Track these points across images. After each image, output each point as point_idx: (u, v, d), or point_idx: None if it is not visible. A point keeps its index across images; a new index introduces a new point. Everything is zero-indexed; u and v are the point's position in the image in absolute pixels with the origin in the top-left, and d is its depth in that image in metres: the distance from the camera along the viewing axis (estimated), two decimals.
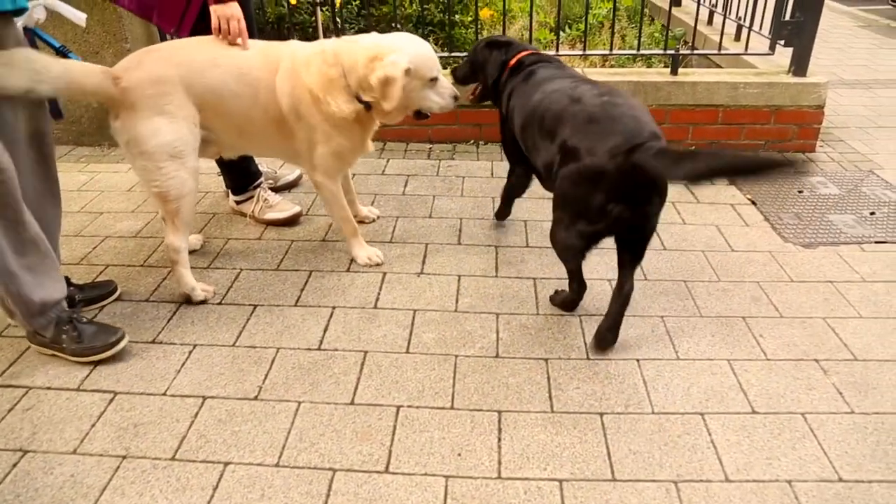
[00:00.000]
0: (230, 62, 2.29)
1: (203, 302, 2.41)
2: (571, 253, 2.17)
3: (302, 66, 2.29)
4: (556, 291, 2.40)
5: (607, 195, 1.92)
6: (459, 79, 2.77)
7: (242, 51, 2.33)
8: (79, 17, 2.23)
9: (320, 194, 2.58)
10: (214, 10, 2.27)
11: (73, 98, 2.21)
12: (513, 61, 2.52)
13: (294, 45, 2.39)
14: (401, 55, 2.21)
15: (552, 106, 2.13)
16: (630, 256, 2.11)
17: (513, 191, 2.78)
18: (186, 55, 2.27)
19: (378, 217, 2.98)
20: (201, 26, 2.37)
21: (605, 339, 2.13)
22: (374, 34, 2.36)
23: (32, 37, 2.16)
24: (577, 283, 2.27)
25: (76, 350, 2.05)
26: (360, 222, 2.89)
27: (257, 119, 2.34)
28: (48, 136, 2.07)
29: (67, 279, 2.31)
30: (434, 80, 2.34)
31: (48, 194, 2.12)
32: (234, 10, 2.28)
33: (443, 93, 2.39)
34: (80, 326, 2.08)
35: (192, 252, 2.66)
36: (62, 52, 2.29)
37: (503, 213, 2.92)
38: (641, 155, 1.81)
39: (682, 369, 2.06)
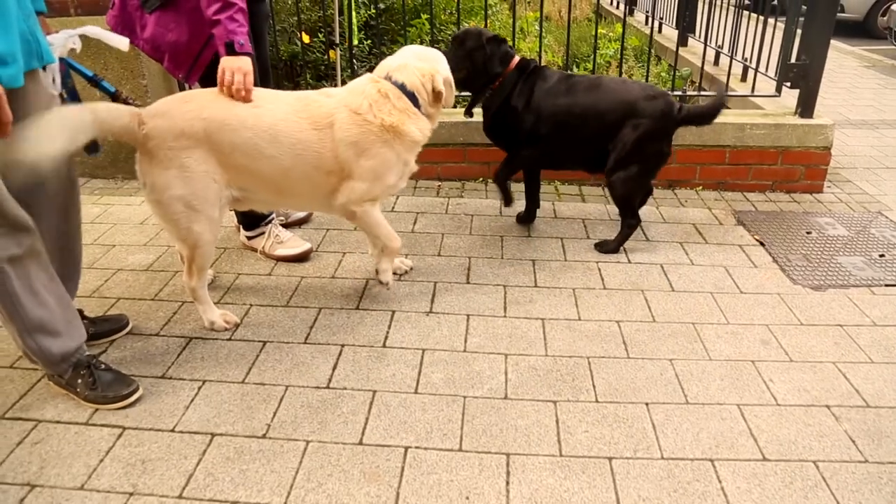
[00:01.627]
0: (265, 124, 2.23)
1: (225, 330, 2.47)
2: (644, 190, 3.09)
3: (367, 111, 2.29)
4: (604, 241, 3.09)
5: (668, 139, 2.92)
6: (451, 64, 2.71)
7: (279, 111, 2.26)
8: (121, 42, 2.24)
9: (366, 222, 2.47)
10: (224, 60, 2.23)
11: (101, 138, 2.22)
12: (515, 62, 2.95)
13: (336, 95, 2.36)
14: (439, 64, 2.45)
15: (609, 88, 2.91)
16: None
17: (534, 172, 3.25)
18: (217, 111, 2.20)
19: (411, 269, 2.90)
20: (211, 76, 2.36)
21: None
22: (389, 59, 2.44)
23: (66, 67, 2.18)
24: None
25: (88, 396, 2.06)
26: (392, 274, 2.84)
27: (306, 177, 2.30)
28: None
29: (81, 312, 2.32)
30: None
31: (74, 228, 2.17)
32: (245, 64, 2.23)
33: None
34: (96, 373, 2.08)
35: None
36: (95, 81, 2.32)
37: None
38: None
39: (692, 414, 2.04)
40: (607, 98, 2.87)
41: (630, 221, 3.02)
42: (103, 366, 2.13)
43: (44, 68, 1.94)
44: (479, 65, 2.90)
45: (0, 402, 2.09)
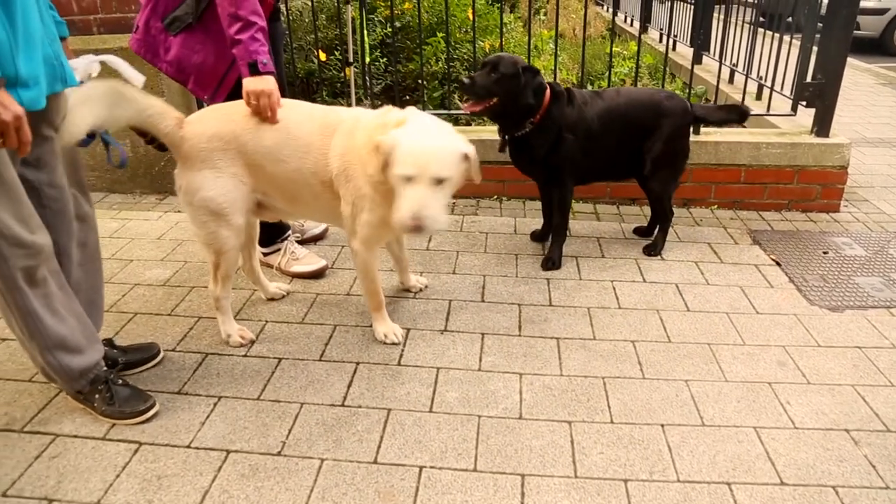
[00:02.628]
0: (282, 127, 2.28)
1: (241, 346, 2.49)
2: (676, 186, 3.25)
3: (360, 129, 2.24)
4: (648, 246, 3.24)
5: (688, 136, 3.18)
6: (478, 90, 2.73)
7: (298, 116, 2.31)
8: (137, 78, 2.27)
9: (354, 262, 2.46)
10: (247, 82, 2.24)
11: (141, 130, 2.27)
12: (548, 90, 2.87)
13: (360, 111, 2.37)
14: (400, 131, 2.10)
15: (633, 91, 3.18)
16: None
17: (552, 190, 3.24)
18: (246, 116, 2.28)
19: (426, 286, 2.91)
20: (236, 97, 2.38)
21: None
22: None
23: None
24: None
25: (105, 411, 2.08)
26: (407, 290, 2.87)
27: (306, 183, 2.31)
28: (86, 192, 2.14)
29: (112, 342, 2.36)
30: (409, 180, 2.04)
31: (91, 253, 2.17)
32: (267, 84, 2.23)
33: (403, 203, 2.05)
34: (114, 388, 2.09)
35: (271, 300, 2.81)
36: None
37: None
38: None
39: (708, 436, 2.03)
40: (637, 100, 3.07)
41: (669, 216, 3.23)
42: (120, 381, 2.14)
43: None
44: (512, 93, 2.74)
45: (19, 415, 2.12)
